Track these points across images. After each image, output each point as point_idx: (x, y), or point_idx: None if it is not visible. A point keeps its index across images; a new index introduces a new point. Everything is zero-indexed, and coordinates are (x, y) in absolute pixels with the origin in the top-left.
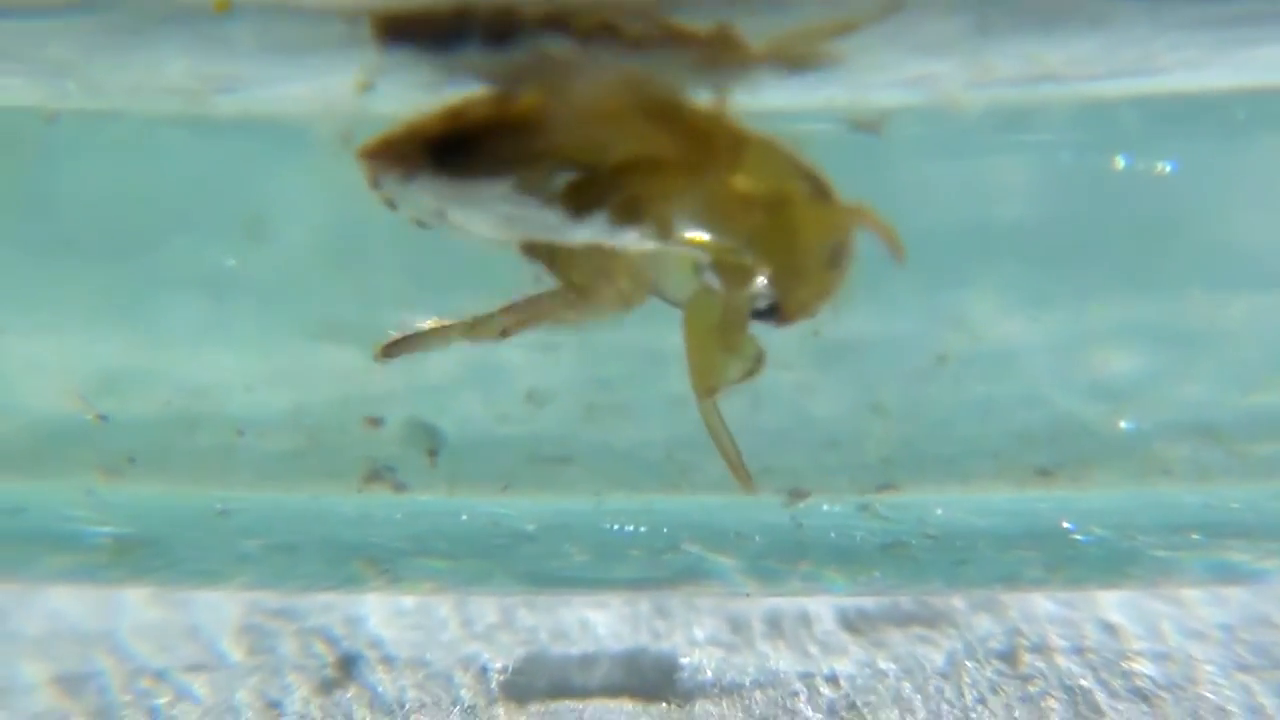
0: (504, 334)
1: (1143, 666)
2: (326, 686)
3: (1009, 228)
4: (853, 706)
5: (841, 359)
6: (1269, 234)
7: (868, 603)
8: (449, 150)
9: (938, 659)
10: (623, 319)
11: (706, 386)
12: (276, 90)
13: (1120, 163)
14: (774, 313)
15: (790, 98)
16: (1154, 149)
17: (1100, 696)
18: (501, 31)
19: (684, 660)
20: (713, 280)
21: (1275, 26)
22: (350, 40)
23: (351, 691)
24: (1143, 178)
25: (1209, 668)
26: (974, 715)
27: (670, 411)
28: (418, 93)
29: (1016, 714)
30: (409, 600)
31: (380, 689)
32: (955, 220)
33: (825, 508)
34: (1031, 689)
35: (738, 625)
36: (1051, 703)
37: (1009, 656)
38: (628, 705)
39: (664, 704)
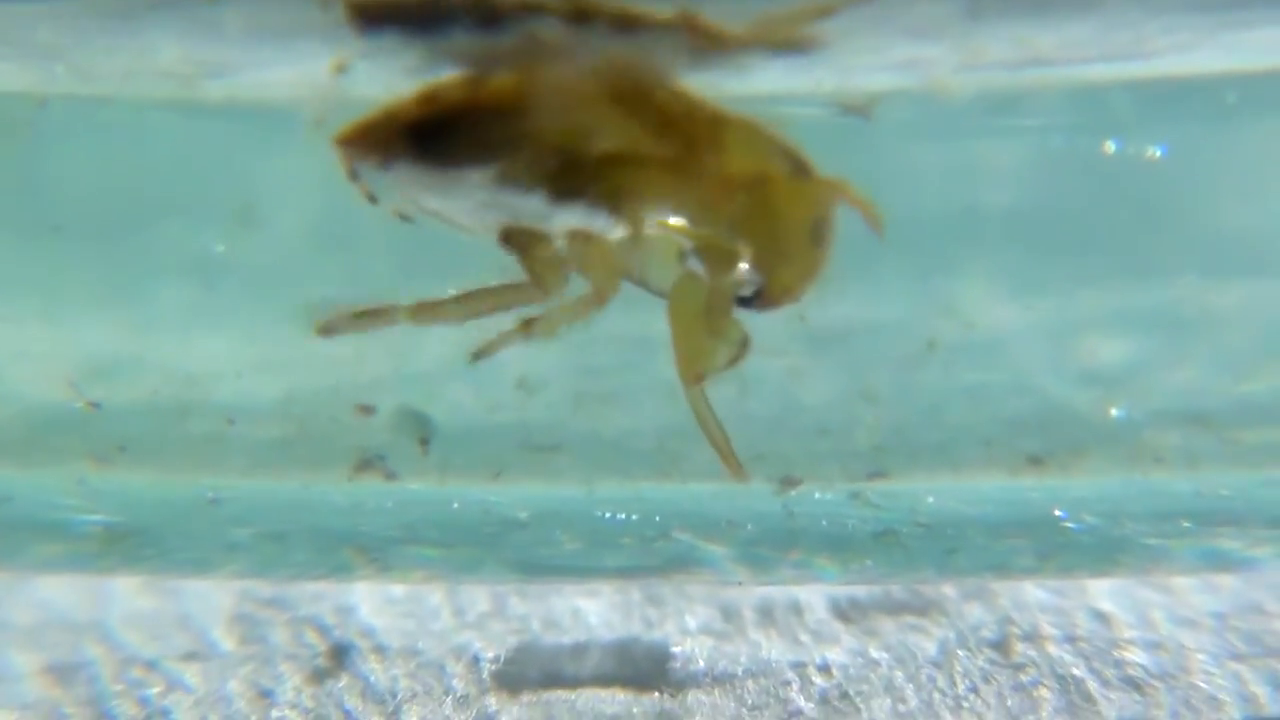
0: (450, 321)
1: (1135, 655)
2: (318, 676)
3: (999, 213)
4: (845, 695)
5: (831, 346)
6: (1260, 219)
7: (859, 591)
8: (427, 135)
9: (930, 648)
10: (612, 306)
11: (693, 374)
12: (266, 75)
13: (1111, 147)
14: (758, 298)
15: (779, 82)
16: (1145, 133)
17: (1092, 685)
18: (484, 16)
19: (676, 649)
20: (696, 266)
21: (1266, 9)
22: (337, 25)
23: (343, 681)
24: (1134, 162)
25: (1201, 656)
26: (966, 704)
27: (661, 399)
28: (401, 77)
29: (1009, 703)
30: (400, 589)
31: (372, 678)
32: (945, 205)
33: (817, 496)
34: (1023, 678)
35: (729, 614)
36: (1044, 692)
37: (1001, 645)
38: (620, 694)
39: (656, 693)
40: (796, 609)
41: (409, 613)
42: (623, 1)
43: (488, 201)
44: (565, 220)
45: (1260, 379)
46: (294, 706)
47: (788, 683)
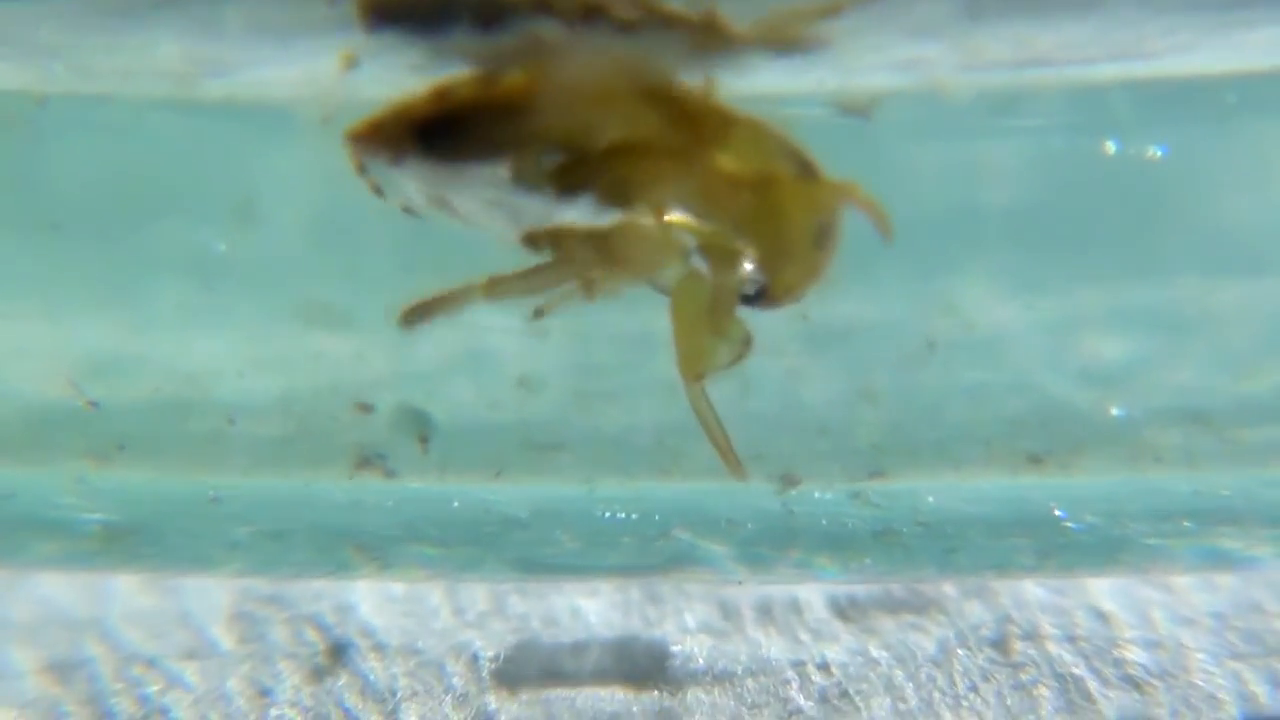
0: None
1: (1134, 654)
2: (317, 674)
3: (999, 213)
4: (844, 694)
5: (832, 345)
6: (1260, 219)
7: (859, 590)
8: (437, 132)
9: (929, 646)
10: (612, 304)
11: (694, 372)
12: (266, 74)
13: (1111, 147)
14: (761, 297)
15: (780, 81)
16: (1145, 133)
17: (1092, 684)
18: (490, 15)
19: (675, 647)
20: (700, 264)
21: (1267, 9)
22: (338, 23)
23: (343, 679)
24: (1134, 162)
25: (1200, 655)
26: (966, 703)
27: (662, 397)
28: (405, 75)
29: (1008, 702)
30: (400, 587)
31: (371, 677)
32: (945, 205)
33: (816, 494)
34: (1023, 677)
35: (729, 612)
36: (1043, 690)
37: (1000, 644)
38: (619, 693)
39: (655, 691)
40: (796, 607)
41: (408, 611)
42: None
43: (496, 199)
44: (572, 218)
45: (1261, 378)
46: (293, 705)
47: (787, 681)
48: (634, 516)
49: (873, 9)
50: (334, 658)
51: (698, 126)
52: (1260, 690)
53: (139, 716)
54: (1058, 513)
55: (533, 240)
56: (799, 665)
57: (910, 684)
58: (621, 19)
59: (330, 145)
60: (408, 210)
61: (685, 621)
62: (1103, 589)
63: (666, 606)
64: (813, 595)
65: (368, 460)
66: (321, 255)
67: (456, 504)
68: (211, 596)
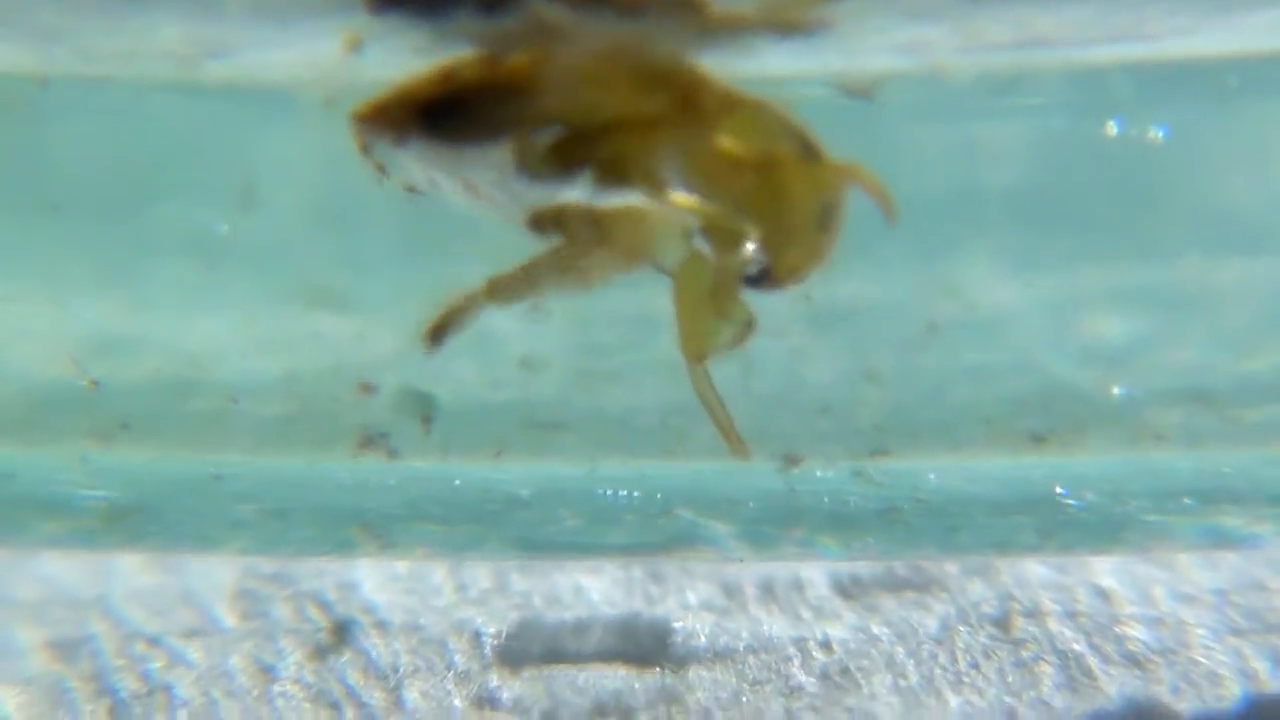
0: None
1: (1135, 631)
2: (320, 652)
3: (1001, 194)
4: (846, 671)
5: (834, 325)
6: (1260, 199)
7: (861, 568)
8: (441, 114)
9: (931, 624)
10: (614, 284)
11: (697, 353)
12: (267, 55)
13: (1112, 128)
14: (765, 278)
15: (782, 63)
16: (1146, 115)
17: (1093, 661)
18: None
19: (677, 625)
20: (703, 245)
21: None
22: (339, 5)
23: (345, 657)
24: (1135, 143)
25: (1201, 632)
26: (967, 680)
27: (664, 377)
28: (409, 57)
29: (1009, 679)
30: (402, 566)
31: (374, 654)
32: (947, 186)
33: (819, 473)
34: (1024, 654)
35: (731, 590)
36: (1044, 667)
37: (1002, 622)
38: (621, 670)
39: (657, 669)
40: (798, 586)
41: (411, 589)
42: None
43: (500, 180)
44: (574, 198)
45: (1261, 357)
46: (296, 682)
47: (789, 658)
48: (636, 495)
49: None
50: (337, 635)
51: (701, 107)
52: (1261, 667)
53: (142, 694)
54: (1059, 491)
55: (537, 221)
56: (801, 643)
57: (912, 661)
58: (624, 1)
59: (331, 127)
60: (410, 190)
61: (687, 600)
62: (1104, 567)
63: (669, 585)
64: (815, 573)
65: (370, 440)
66: (323, 236)
67: (459, 483)
68: (214, 575)
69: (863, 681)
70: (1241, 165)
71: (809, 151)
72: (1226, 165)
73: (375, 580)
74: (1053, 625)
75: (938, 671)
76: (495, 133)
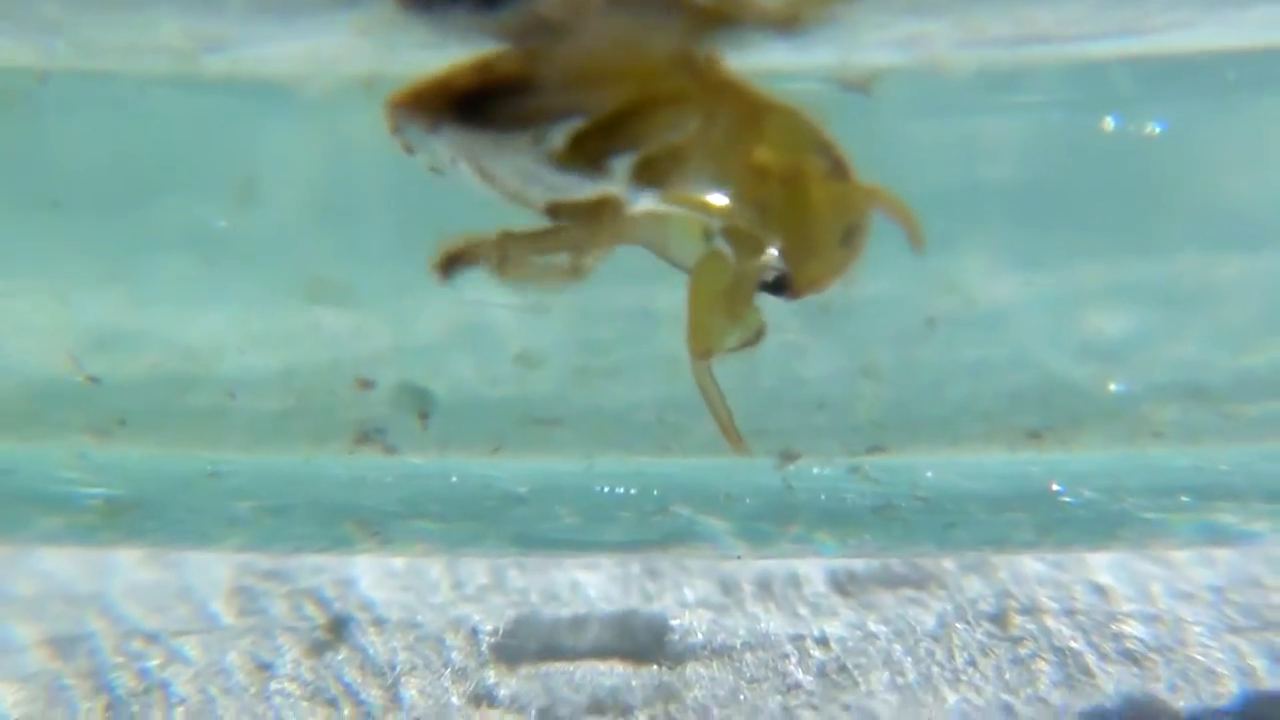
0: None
1: (1132, 628)
2: (318, 648)
3: (999, 189)
4: (843, 668)
5: (832, 321)
6: (1259, 194)
7: (858, 565)
8: (475, 104)
9: (928, 621)
10: (613, 281)
11: (702, 349)
12: (266, 50)
13: (1110, 123)
14: (783, 286)
15: (781, 57)
16: (1144, 109)
17: (1090, 658)
18: None
19: (675, 622)
20: (724, 246)
21: None
22: (340, 0)
23: (343, 653)
24: (1133, 138)
25: (1198, 629)
26: (964, 677)
27: (661, 373)
28: (415, 52)
29: (1007, 676)
30: (400, 562)
31: (371, 651)
32: (945, 181)
33: (816, 470)
34: (1022, 651)
35: (728, 587)
36: (1042, 664)
37: (999, 618)
38: (618, 667)
39: (655, 666)
40: (795, 582)
41: (408, 585)
42: None
43: (527, 169)
44: (600, 190)
45: (1259, 353)
46: (293, 679)
47: (786, 655)
48: (633, 492)
49: None
50: (334, 632)
51: (732, 112)
52: (1258, 664)
53: (140, 690)
54: (1056, 488)
55: (555, 212)
56: (798, 640)
57: (909, 658)
58: None
59: (330, 122)
60: (435, 171)
61: (685, 596)
62: (1101, 564)
63: (666, 581)
64: (812, 570)
65: (368, 436)
66: (322, 231)
67: (456, 479)
68: (212, 571)
69: (860, 679)
70: (1240, 160)
71: (838, 169)
72: (1225, 161)
73: (372, 577)
74: (1050, 622)
75: (935, 668)
76: (526, 124)
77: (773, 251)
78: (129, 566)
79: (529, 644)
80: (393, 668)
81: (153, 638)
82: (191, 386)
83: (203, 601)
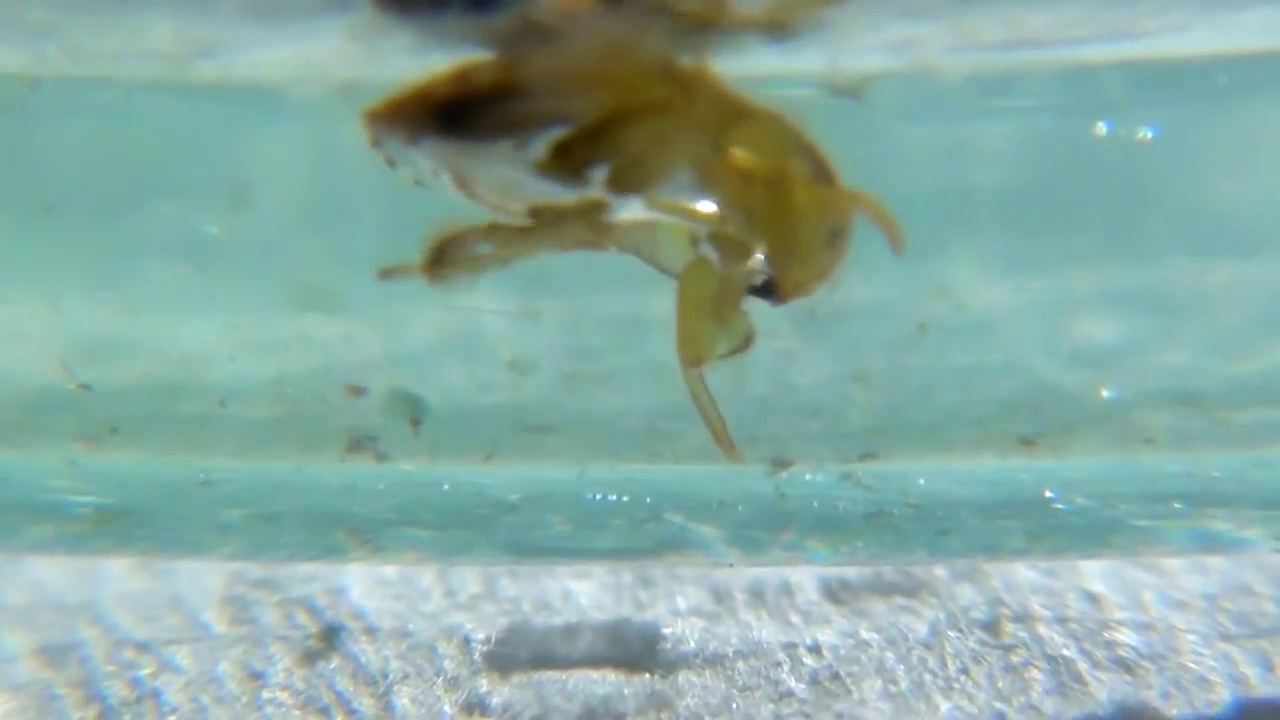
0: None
1: (1125, 636)
2: (309, 657)
3: (991, 194)
4: (836, 676)
5: (824, 327)
6: (1251, 200)
7: (850, 572)
8: (455, 114)
9: (920, 629)
10: (604, 287)
11: (692, 357)
12: (257, 55)
13: (1102, 128)
14: (769, 290)
15: (771, 62)
16: (1136, 114)
17: (1083, 666)
18: None
19: (667, 630)
20: (711, 252)
21: None
22: (330, 6)
23: (334, 662)
24: (1125, 143)
25: (1191, 637)
26: (957, 685)
27: (653, 380)
28: (401, 58)
29: (999, 684)
30: (391, 570)
31: (363, 660)
32: (937, 186)
33: (808, 477)
34: (1014, 659)
35: (720, 595)
36: (1034, 672)
37: (992, 626)
38: (611, 675)
39: (647, 674)
40: (787, 590)
41: (400, 594)
42: None
43: (510, 178)
44: (584, 198)
45: (1251, 359)
46: (285, 688)
47: (779, 664)
48: (625, 499)
49: None
50: (326, 641)
51: (714, 117)
52: (1251, 672)
53: (131, 700)
54: (1049, 495)
55: (536, 216)
56: (790, 648)
57: (901, 666)
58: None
59: (321, 128)
60: (418, 183)
61: (677, 604)
62: (1094, 571)
63: (658, 589)
64: (804, 578)
65: (359, 443)
66: (313, 238)
67: (448, 487)
68: (203, 580)
69: (852, 687)
70: (1232, 166)
71: (821, 173)
72: (1217, 166)
73: (364, 585)
74: (1042, 630)
75: (927, 676)
76: (508, 132)
77: (758, 256)
78: (120, 575)
79: (521, 652)
80: (385, 676)
81: (144, 647)
82: (182, 394)
83: (194, 610)
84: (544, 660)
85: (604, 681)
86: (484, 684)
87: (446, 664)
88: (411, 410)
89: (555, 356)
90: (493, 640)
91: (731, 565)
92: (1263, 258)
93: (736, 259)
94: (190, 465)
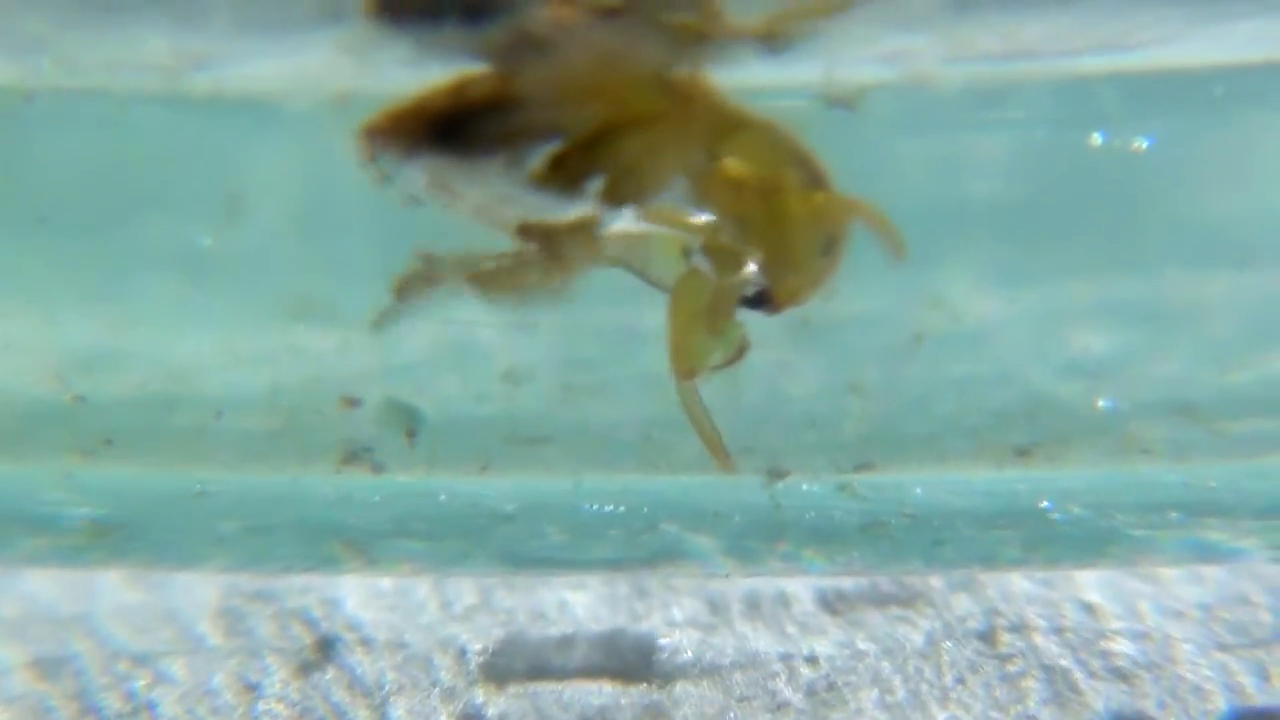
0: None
1: (1121, 646)
2: (305, 669)
3: (986, 205)
4: (832, 686)
5: (818, 338)
6: (1246, 211)
7: (846, 583)
8: (451, 129)
9: (916, 639)
10: (599, 298)
11: (686, 369)
12: (252, 68)
13: (1097, 139)
14: (763, 301)
15: (765, 74)
16: (1131, 125)
17: (1079, 676)
18: (497, 6)
19: (663, 641)
20: (703, 263)
21: (1252, 1)
22: (325, 18)
23: (330, 673)
24: (1120, 154)
25: (1187, 646)
26: (953, 695)
27: (648, 391)
28: (396, 69)
29: (996, 694)
30: (387, 582)
31: (359, 671)
32: (932, 197)
33: (804, 487)
34: (1010, 668)
35: (716, 606)
36: (1030, 682)
37: (988, 636)
38: (607, 686)
39: (643, 685)
40: (783, 601)
41: (395, 605)
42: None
43: (506, 193)
44: (579, 212)
45: (1247, 369)
46: (281, 699)
47: (775, 674)
48: (621, 510)
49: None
50: (321, 652)
51: (708, 127)
52: (1247, 681)
53: (126, 712)
54: (1045, 505)
55: (526, 234)
56: (787, 658)
57: (898, 676)
58: (611, 6)
59: (316, 140)
60: (413, 200)
61: (673, 615)
62: (1089, 581)
63: (654, 600)
64: (800, 588)
65: (355, 454)
66: (307, 250)
67: (443, 498)
68: (198, 592)
69: (849, 697)
70: (1227, 177)
71: (816, 181)
72: (1212, 177)
73: (359, 596)
74: (1038, 640)
75: (924, 686)
76: (504, 146)
77: (751, 266)
78: (114, 587)
79: (517, 663)
80: (381, 687)
81: (139, 659)
82: (178, 406)
83: (189, 622)
84: (540, 671)
85: (600, 692)
86: (480, 695)
87: (442, 675)
88: (408, 421)
89: (550, 367)
90: (489, 651)
91: (727, 576)
92: (1258, 268)
93: (729, 269)
94: (185, 477)
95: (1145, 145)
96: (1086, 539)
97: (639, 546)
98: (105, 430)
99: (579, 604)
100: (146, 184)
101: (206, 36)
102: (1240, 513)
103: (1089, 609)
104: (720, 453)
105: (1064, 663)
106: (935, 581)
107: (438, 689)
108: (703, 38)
